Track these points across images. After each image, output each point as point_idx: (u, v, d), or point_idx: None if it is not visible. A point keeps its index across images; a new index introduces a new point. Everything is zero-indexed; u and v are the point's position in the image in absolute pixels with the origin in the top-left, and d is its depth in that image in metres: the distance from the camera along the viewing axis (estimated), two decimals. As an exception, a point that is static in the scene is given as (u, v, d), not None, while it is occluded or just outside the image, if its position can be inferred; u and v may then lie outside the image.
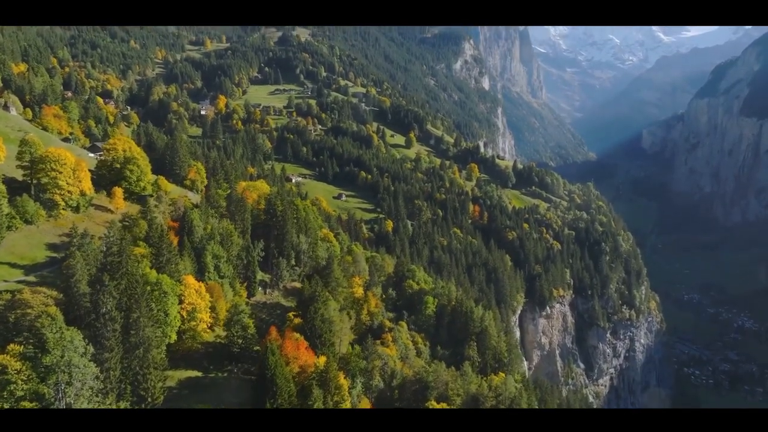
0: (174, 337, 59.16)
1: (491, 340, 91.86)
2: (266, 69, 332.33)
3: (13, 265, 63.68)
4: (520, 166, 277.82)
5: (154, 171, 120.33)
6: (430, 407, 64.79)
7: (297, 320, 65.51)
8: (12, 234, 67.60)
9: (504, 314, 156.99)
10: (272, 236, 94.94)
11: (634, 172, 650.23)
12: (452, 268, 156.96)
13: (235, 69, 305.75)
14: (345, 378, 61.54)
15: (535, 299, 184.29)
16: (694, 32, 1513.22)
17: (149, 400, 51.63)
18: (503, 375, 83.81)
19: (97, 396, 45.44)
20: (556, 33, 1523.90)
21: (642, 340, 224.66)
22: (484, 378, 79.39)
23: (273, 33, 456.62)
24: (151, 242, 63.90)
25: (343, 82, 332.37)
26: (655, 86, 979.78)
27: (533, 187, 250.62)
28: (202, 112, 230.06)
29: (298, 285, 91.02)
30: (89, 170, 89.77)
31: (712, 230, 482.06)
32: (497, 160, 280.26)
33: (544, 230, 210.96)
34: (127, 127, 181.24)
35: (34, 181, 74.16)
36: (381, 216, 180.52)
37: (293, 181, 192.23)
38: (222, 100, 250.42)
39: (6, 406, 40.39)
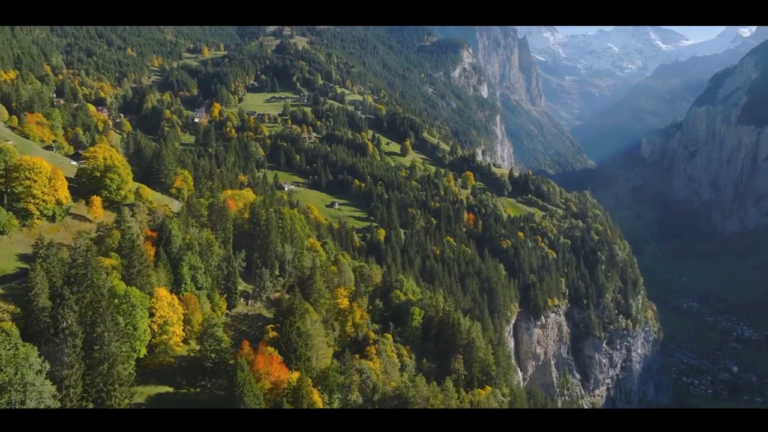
0: (144, 351, 57.34)
1: (478, 353, 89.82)
2: (263, 77, 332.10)
3: (-20, 277, 62.00)
4: (516, 174, 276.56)
5: (143, 179, 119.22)
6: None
7: (272, 334, 63.65)
8: (-18, 244, 65.99)
9: (497, 324, 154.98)
10: (256, 246, 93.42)
11: (634, 180, 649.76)
12: (444, 277, 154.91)
13: (232, 77, 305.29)
14: (321, 394, 59.68)
15: (530, 309, 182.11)
16: (692, 40, 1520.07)
17: (113, 417, 49.68)
18: (490, 389, 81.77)
19: (54, 415, 43.54)
20: (555, 41, 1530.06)
21: (639, 350, 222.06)
22: (469, 392, 77.32)
23: (271, 41, 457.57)
24: (123, 253, 62.22)
25: (339, 90, 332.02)
26: (653, 94, 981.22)
27: (529, 195, 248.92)
28: (196, 120, 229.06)
29: (281, 296, 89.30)
30: (70, 178, 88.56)
31: (711, 238, 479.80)
32: (493, 168, 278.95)
33: (540, 239, 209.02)
34: (119, 134, 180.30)
35: (8, 190, 72.58)
36: (374, 225, 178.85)
37: (286, 189, 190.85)
38: (216, 108, 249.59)
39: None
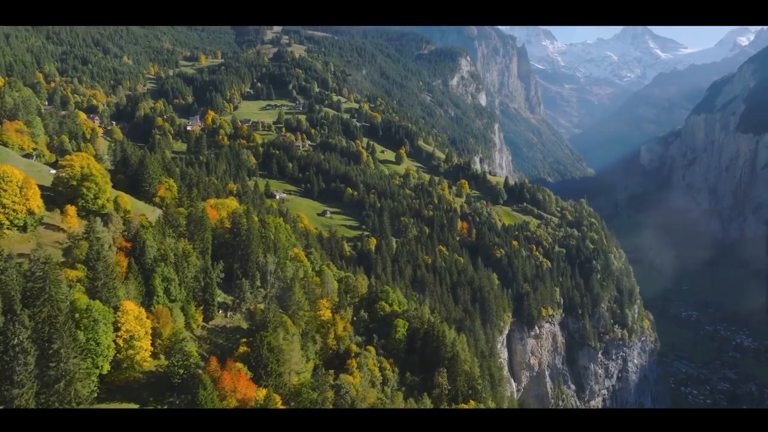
0: (107, 367, 55.23)
1: (463, 366, 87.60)
2: (258, 84, 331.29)
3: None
4: (511, 182, 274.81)
5: (128, 187, 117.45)
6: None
7: (243, 349, 61.65)
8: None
9: (489, 335, 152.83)
10: (237, 256, 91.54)
11: (633, 188, 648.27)
12: (436, 287, 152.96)
13: (227, 84, 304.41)
14: (292, 411, 57.55)
15: (524, 319, 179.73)
16: (691, 49, 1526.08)
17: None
18: (474, 404, 79.53)
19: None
20: (554, 50, 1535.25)
21: (635, 360, 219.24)
22: (452, 408, 75.09)
23: (269, 49, 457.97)
24: (90, 265, 60.36)
25: (335, 98, 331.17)
26: (652, 102, 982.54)
27: (525, 204, 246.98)
28: (189, 128, 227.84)
29: (258, 308, 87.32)
30: (46, 187, 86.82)
31: (710, 246, 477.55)
32: (488, 177, 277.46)
33: (534, 247, 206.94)
34: (109, 142, 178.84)
35: (-23, 200, 70.78)
36: (365, 233, 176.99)
37: (277, 197, 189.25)
38: (210, 116, 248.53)
39: None
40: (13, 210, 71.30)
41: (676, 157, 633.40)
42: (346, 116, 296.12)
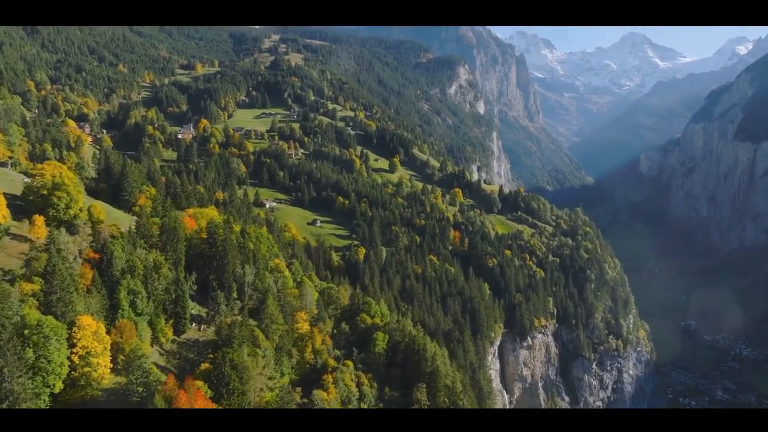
0: (60, 386, 52.92)
1: (443, 380, 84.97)
2: (254, 93, 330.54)
3: None
4: (506, 190, 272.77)
5: (110, 196, 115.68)
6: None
7: (205, 365, 59.30)
8: None
9: (480, 346, 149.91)
10: (213, 267, 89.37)
11: (632, 196, 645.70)
12: (425, 297, 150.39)
13: (222, 93, 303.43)
14: None
15: (516, 329, 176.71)
16: (689, 58, 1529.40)
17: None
18: (453, 420, 76.82)
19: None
20: (553, 58, 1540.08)
21: (631, 371, 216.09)
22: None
23: (266, 57, 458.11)
24: (47, 278, 58.22)
25: (331, 106, 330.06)
26: (652, 111, 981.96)
27: (519, 213, 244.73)
28: (180, 136, 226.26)
29: (238, 319, 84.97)
30: (16, 196, 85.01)
31: (709, 255, 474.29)
32: (483, 185, 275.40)
33: (528, 257, 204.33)
34: (97, 150, 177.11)
35: (-62, 210, 68.98)
36: (355, 243, 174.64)
37: (267, 206, 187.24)
38: (203, 124, 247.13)
39: None
40: (-24, 220, 69.43)
41: (675, 166, 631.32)
42: (340, 124, 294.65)
